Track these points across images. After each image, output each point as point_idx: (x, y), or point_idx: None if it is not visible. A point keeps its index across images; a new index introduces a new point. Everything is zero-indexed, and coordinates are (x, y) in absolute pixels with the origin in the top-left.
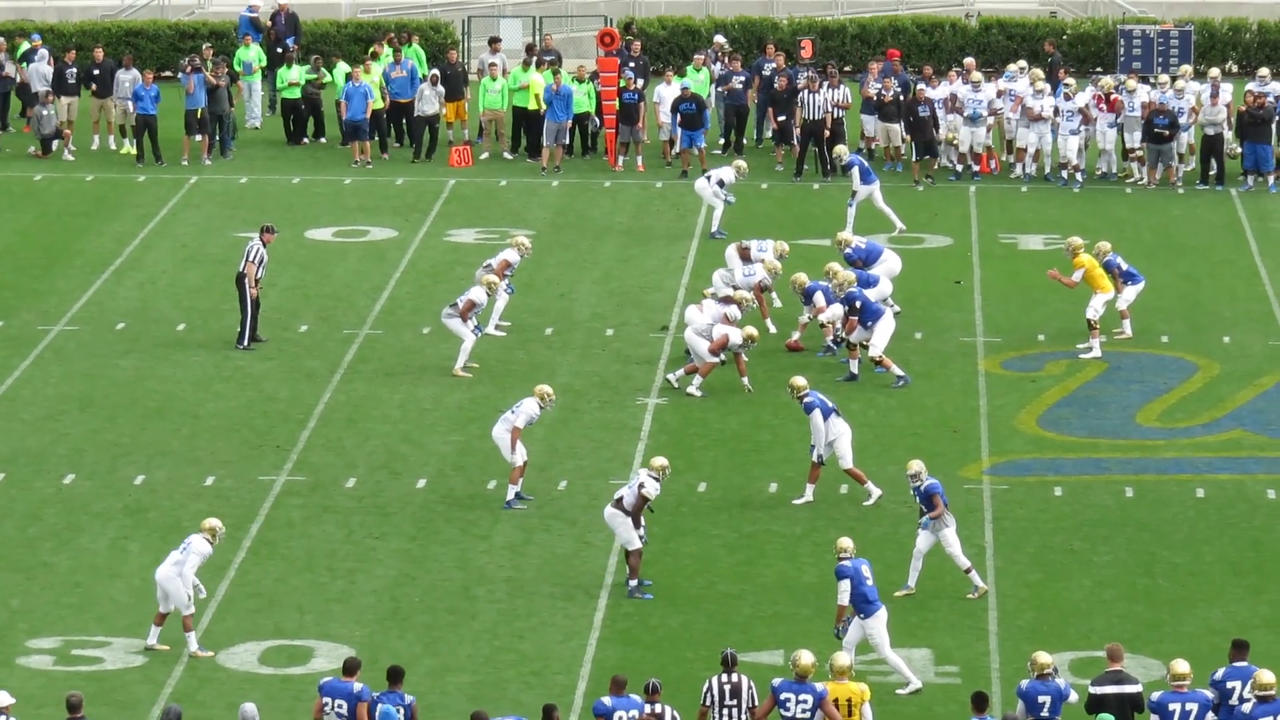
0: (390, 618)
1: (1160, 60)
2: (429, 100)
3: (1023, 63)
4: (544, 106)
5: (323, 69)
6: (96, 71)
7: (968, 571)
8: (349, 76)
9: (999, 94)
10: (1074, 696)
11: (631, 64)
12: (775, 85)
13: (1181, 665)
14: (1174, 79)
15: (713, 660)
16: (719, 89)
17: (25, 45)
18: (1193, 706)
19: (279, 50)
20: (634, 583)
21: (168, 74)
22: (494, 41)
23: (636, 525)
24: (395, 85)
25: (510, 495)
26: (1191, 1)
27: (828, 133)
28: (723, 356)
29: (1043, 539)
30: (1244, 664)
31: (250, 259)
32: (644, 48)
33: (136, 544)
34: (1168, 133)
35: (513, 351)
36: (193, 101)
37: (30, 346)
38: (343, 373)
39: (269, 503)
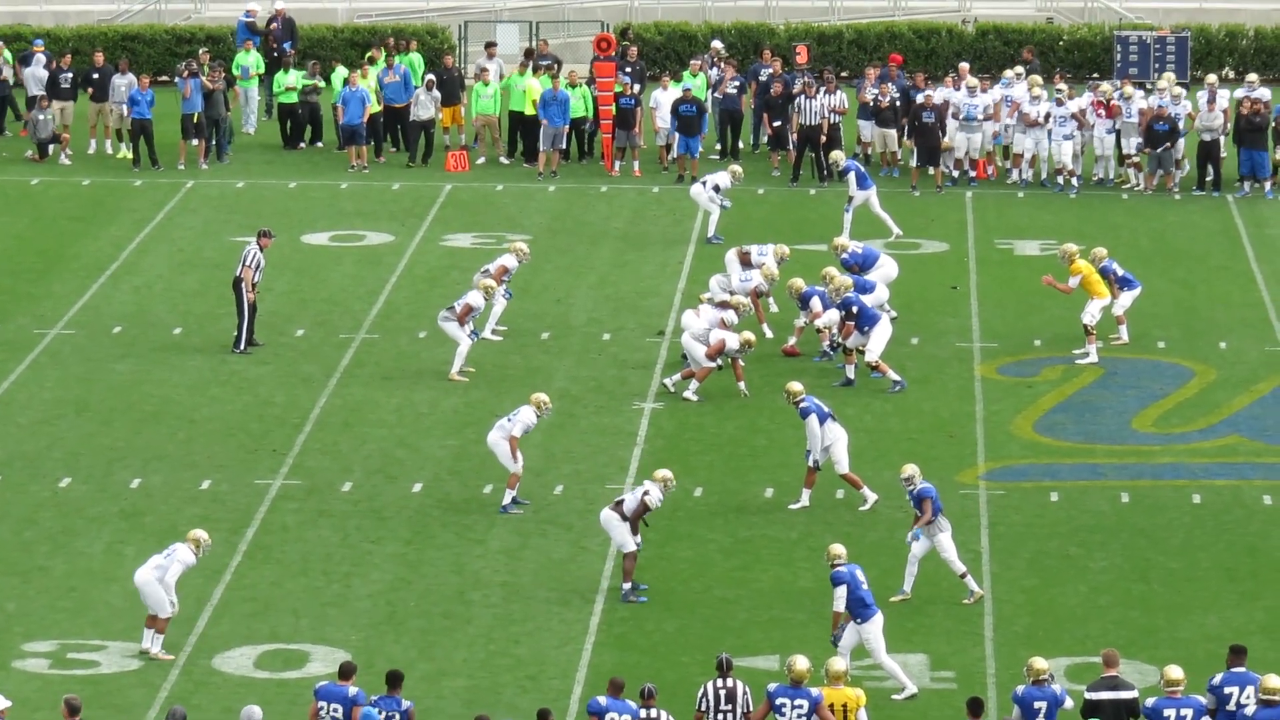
0: (386, 622)
1: (1157, 66)
2: (424, 105)
3: (1019, 68)
4: (539, 111)
5: (319, 75)
6: (96, 76)
7: (963, 576)
8: (346, 81)
9: (996, 103)
10: (1069, 702)
11: (628, 69)
12: (771, 91)
13: (1175, 671)
14: (1149, 86)
15: (708, 665)
16: (715, 94)
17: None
18: (1187, 712)
19: (276, 55)
20: (628, 586)
21: (164, 78)
22: (489, 46)
23: (634, 531)
24: (389, 90)
25: (506, 500)
26: (1188, 8)
27: (824, 138)
28: (720, 362)
29: (1039, 544)
30: (1242, 669)
31: (247, 263)
32: (640, 53)
33: (132, 548)
34: (1169, 142)
35: (509, 356)
36: (189, 106)
37: (26, 350)
38: (339, 377)
39: (265, 507)
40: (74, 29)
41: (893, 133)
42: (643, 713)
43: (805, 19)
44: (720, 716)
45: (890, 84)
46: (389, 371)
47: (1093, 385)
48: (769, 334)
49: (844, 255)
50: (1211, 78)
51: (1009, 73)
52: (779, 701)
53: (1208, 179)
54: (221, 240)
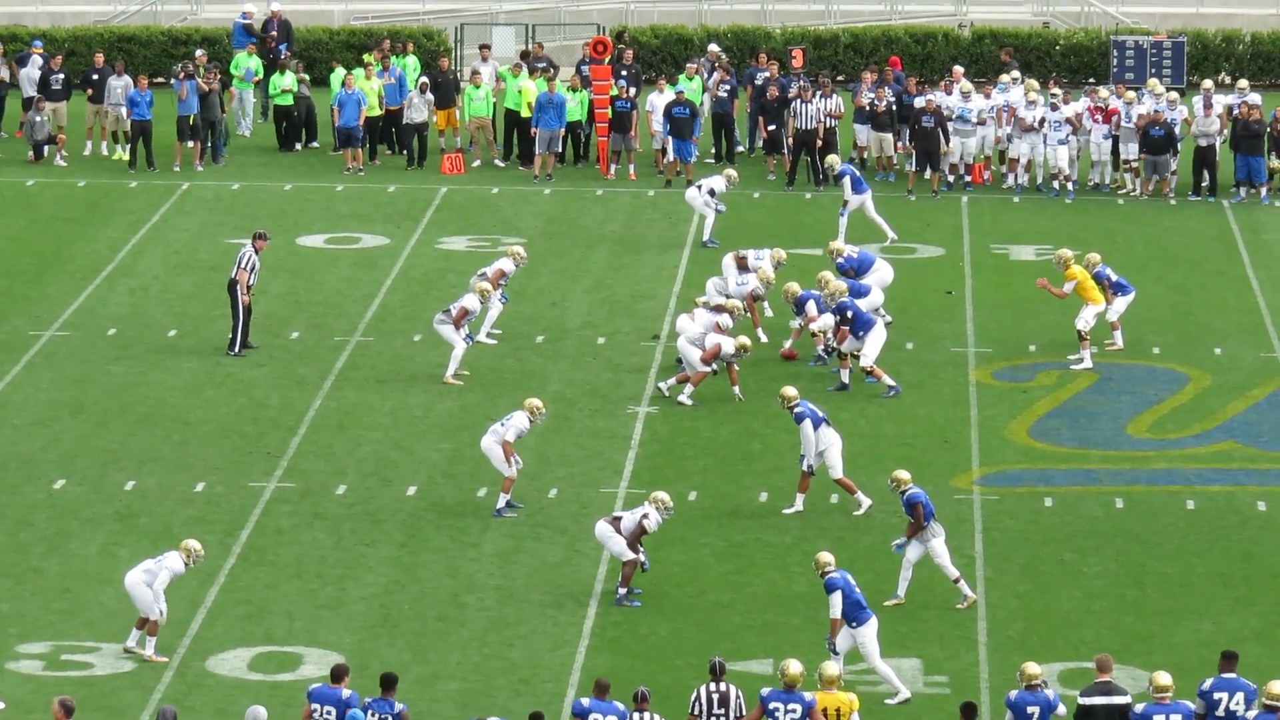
0: (380, 625)
1: (1153, 72)
2: (417, 108)
3: (1015, 73)
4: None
5: (299, 71)
6: (95, 77)
7: (956, 581)
8: (343, 83)
9: (996, 106)
10: (1063, 708)
11: (624, 73)
12: (767, 94)
13: (1164, 677)
14: (1137, 89)
15: (701, 669)
16: (708, 97)
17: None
18: (1176, 718)
19: (272, 57)
20: (623, 590)
21: (160, 80)
22: (482, 48)
23: (633, 550)
24: (385, 93)
25: (501, 503)
26: (1185, 13)
27: (820, 142)
28: (715, 366)
29: (1033, 550)
30: (1232, 675)
31: (242, 265)
32: (636, 56)
33: (127, 550)
34: (1165, 148)
35: (504, 359)
36: (185, 108)
37: (21, 352)
38: (333, 380)
39: (259, 509)
40: (70, 30)
41: (888, 137)
42: (636, 716)
43: (801, 23)
44: None
45: (886, 88)
46: (384, 374)
47: (1087, 391)
48: (763, 339)
49: (839, 260)
50: (1208, 83)
51: (1005, 77)
52: (772, 706)
53: (1204, 184)
54: (217, 242)
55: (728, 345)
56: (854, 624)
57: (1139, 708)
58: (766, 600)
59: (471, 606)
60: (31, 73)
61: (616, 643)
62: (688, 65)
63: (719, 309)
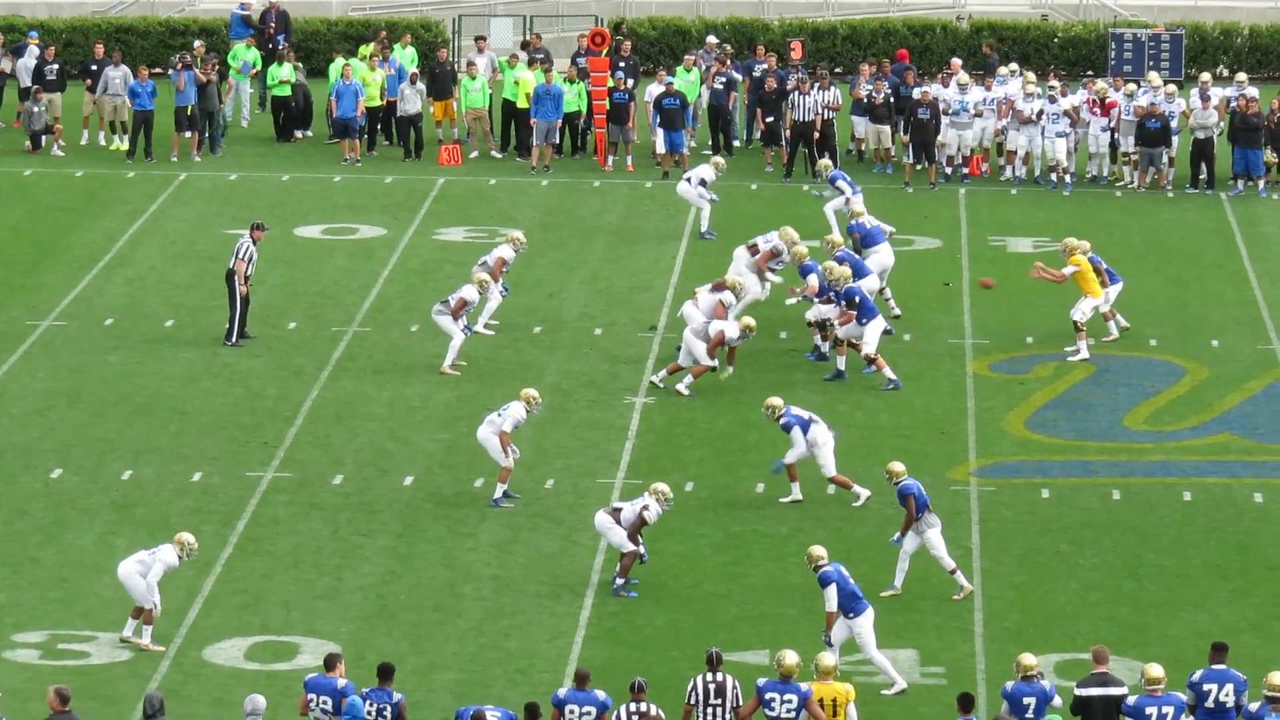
0: (377, 615)
1: (1151, 64)
2: (410, 100)
3: (1014, 65)
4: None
5: (291, 61)
6: (95, 67)
7: (953, 572)
8: (341, 74)
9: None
10: (1058, 699)
11: (622, 64)
12: (765, 86)
13: (1156, 670)
14: (1139, 83)
15: (698, 660)
16: (708, 89)
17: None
18: (1169, 710)
19: (270, 48)
20: (620, 581)
21: (158, 70)
22: (478, 39)
23: (633, 542)
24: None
25: (498, 493)
26: (1183, 5)
27: (817, 134)
28: (715, 361)
29: (1029, 541)
30: (1222, 667)
31: (240, 256)
32: (634, 48)
33: (123, 539)
34: (1161, 141)
35: (501, 350)
36: (183, 98)
37: (18, 342)
38: (331, 370)
39: (256, 499)
40: (67, 20)
41: (886, 129)
42: (632, 705)
43: (800, 15)
44: (709, 711)
45: (884, 80)
46: (381, 365)
47: (1084, 382)
48: (764, 294)
49: (837, 252)
50: (1206, 76)
51: (1003, 70)
52: (768, 696)
53: (1201, 177)
54: (214, 233)
55: (732, 330)
56: (850, 615)
57: (1132, 700)
58: (763, 591)
59: (468, 597)
60: (28, 62)
61: (613, 633)
62: (685, 58)
63: (718, 286)
